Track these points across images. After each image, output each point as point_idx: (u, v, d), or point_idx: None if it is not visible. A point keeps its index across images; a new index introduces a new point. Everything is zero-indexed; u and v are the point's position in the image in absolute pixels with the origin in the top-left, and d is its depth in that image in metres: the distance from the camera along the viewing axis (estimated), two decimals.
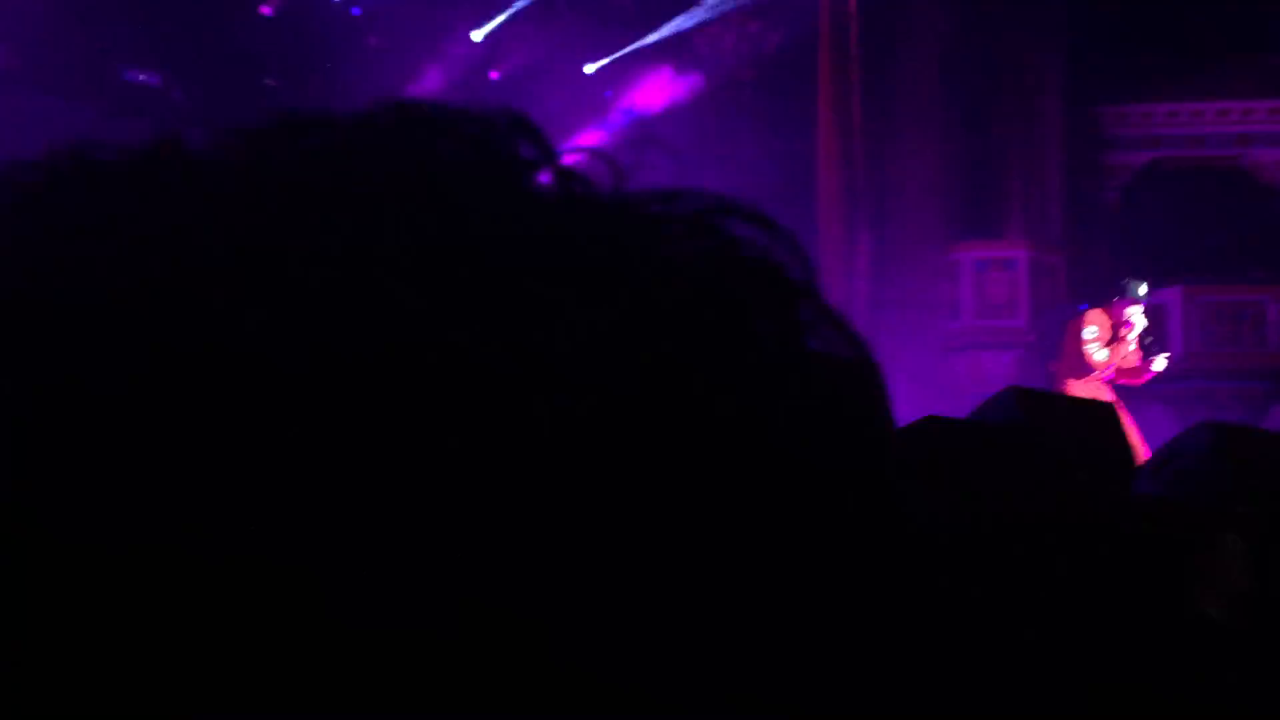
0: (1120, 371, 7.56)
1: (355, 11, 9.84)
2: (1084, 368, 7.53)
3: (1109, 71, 15.24)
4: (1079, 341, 7.57)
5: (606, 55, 11.92)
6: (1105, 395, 7.69)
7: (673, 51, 12.52)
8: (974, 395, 9.20)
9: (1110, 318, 7.49)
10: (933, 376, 13.31)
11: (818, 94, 12.32)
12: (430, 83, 10.90)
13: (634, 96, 11.99)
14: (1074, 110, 14.94)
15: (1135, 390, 13.80)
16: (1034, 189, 14.48)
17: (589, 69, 11.97)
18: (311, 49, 9.69)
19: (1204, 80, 15.51)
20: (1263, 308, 13.82)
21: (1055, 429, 4.06)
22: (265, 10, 9.73)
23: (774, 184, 13.11)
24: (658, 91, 12.07)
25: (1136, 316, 7.37)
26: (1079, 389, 7.59)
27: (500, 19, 10.55)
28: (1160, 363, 7.43)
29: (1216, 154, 15.61)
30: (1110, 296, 7.58)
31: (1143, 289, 7.42)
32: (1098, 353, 7.46)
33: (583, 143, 10.01)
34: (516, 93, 10.95)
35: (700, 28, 12.69)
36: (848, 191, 12.30)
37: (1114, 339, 7.43)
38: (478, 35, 10.66)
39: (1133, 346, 7.51)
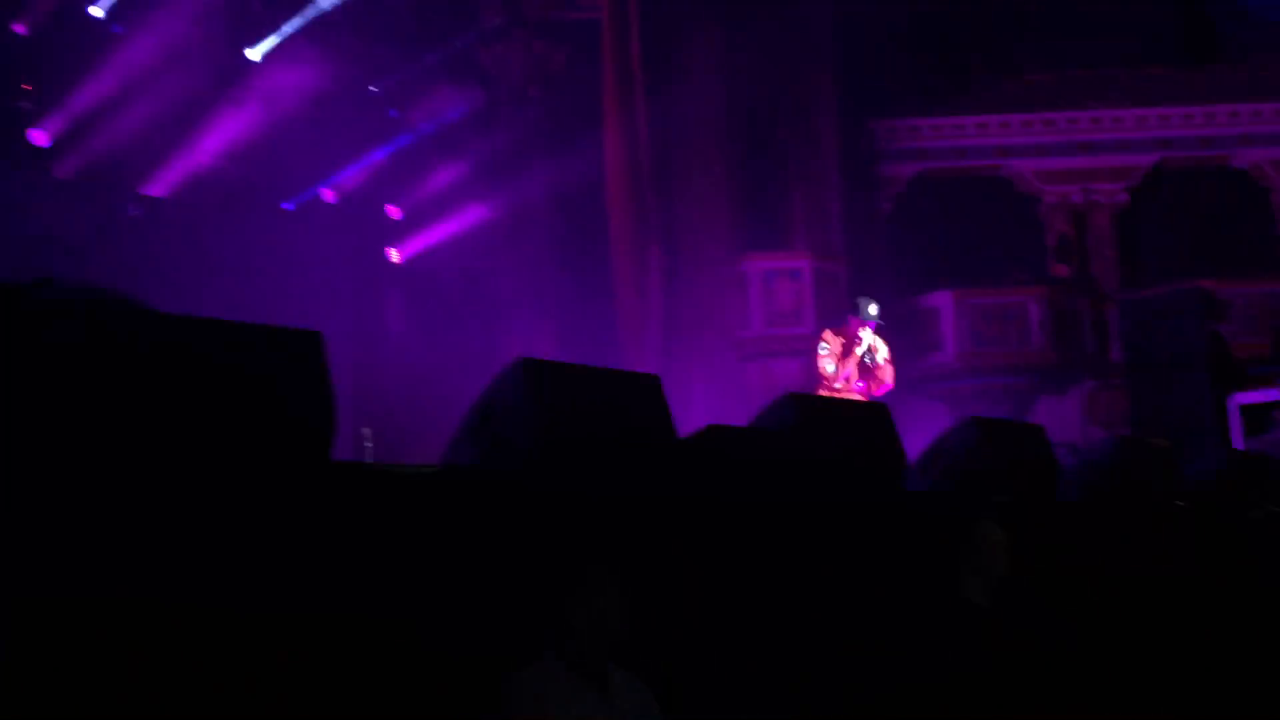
0: (863, 382, 8.10)
1: (116, 29, 9.38)
2: (820, 379, 8.10)
3: (879, 88, 16.02)
4: (817, 356, 8.11)
5: (392, 74, 11.78)
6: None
7: (459, 70, 12.47)
8: (767, 398, 9.50)
9: (842, 336, 8.03)
10: (729, 384, 13.69)
11: (603, 113, 12.49)
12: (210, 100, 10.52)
13: (420, 114, 11.89)
14: (848, 125, 15.63)
15: (919, 390, 14.57)
16: (814, 201, 15.06)
17: (373, 88, 11.80)
18: (70, 68, 9.20)
19: (965, 96, 16.49)
20: (1025, 308, 14.77)
21: (830, 431, 4.27)
22: (19, 28, 9.18)
23: (565, 202, 13.24)
24: (444, 109, 12.01)
25: (865, 334, 7.91)
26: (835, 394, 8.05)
27: (276, 39, 10.27)
28: (887, 374, 8.01)
29: (978, 164, 16.60)
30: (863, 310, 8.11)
31: (872, 308, 7.95)
32: (828, 366, 8.00)
33: (371, 161, 9.80)
34: (301, 113, 10.69)
35: (486, 47, 12.69)
36: (637, 208, 12.51)
37: (845, 354, 7.97)
38: (255, 54, 10.36)
39: (879, 359, 8.07)
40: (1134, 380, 9.34)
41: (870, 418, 4.47)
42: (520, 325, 12.75)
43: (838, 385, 8.18)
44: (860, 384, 8.20)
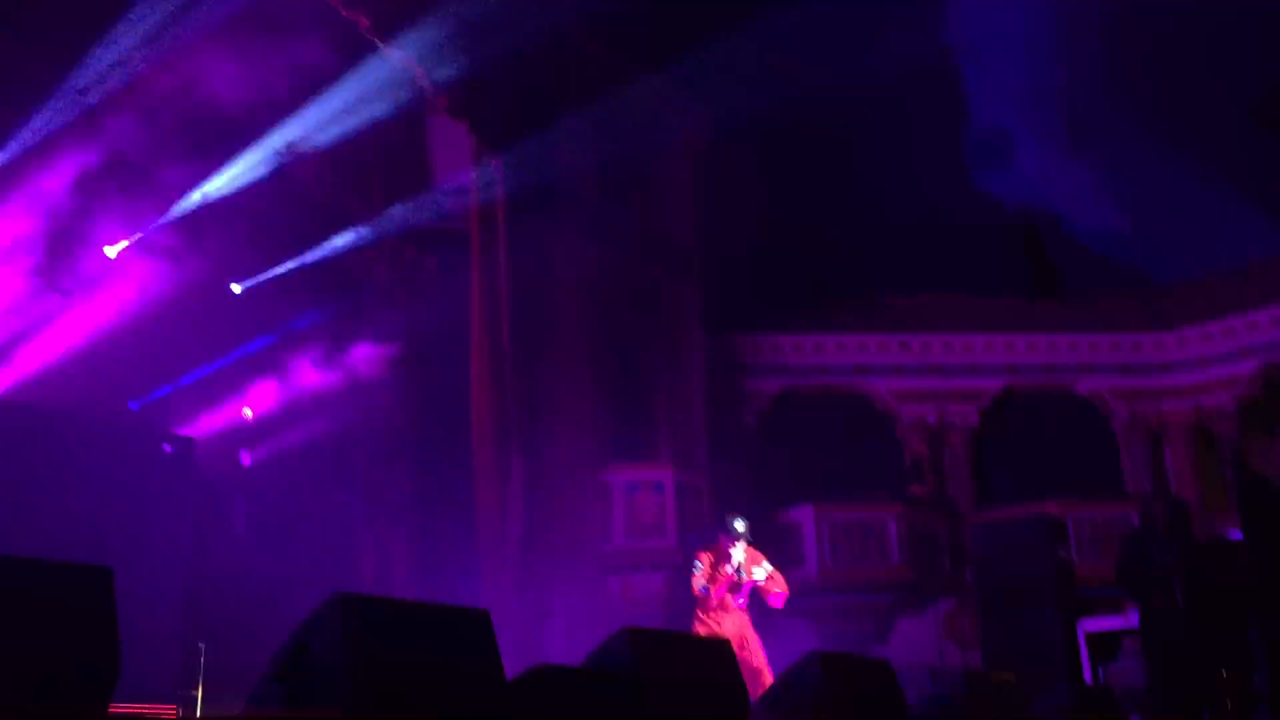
0: (743, 598, 8.00)
1: None
2: (696, 599, 7.99)
3: (744, 306, 16.54)
4: (691, 575, 8.01)
5: (254, 274, 11.68)
6: (742, 618, 7.98)
7: (325, 273, 12.45)
8: (628, 615, 9.22)
9: (713, 554, 7.97)
10: (590, 596, 13.40)
11: (469, 322, 12.54)
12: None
13: (282, 315, 11.75)
14: (714, 340, 16.01)
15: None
16: (679, 413, 15.23)
17: (236, 288, 11.66)
18: None
19: (826, 315, 17.12)
20: (884, 525, 14.98)
21: (667, 669, 4.13)
22: None
23: (428, 409, 13.10)
24: (308, 312, 11.91)
25: (737, 552, 7.85)
26: (713, 613, 7.88)
27: (138, 235, 10.14)
28: (777, 584, 7.89)
29: (839, 382, 17.10)
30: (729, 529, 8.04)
31: (740, 524, 7.92)
32: (701, 586, 7.91)
33: (224, 360, 9.55)
34: (155, 310, 10.46)
35: (354, 251, 12.73)
36: (500, 417, 12.43)
37: (716, 572, 7.88)
38: (111, 251, 10.18)
39: (759, 576, 7.98)
40: (985, 604, 9.42)
41: (712, 655, 4.35)
42: (374, 534, 12.37)
43: (709, 598, 8.03)
44: (741, 601, 8.05)
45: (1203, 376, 16.49)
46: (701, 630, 7.96)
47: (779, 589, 8.05)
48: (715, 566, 8.01)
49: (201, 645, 8.61)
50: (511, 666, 3.70)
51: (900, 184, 17.83)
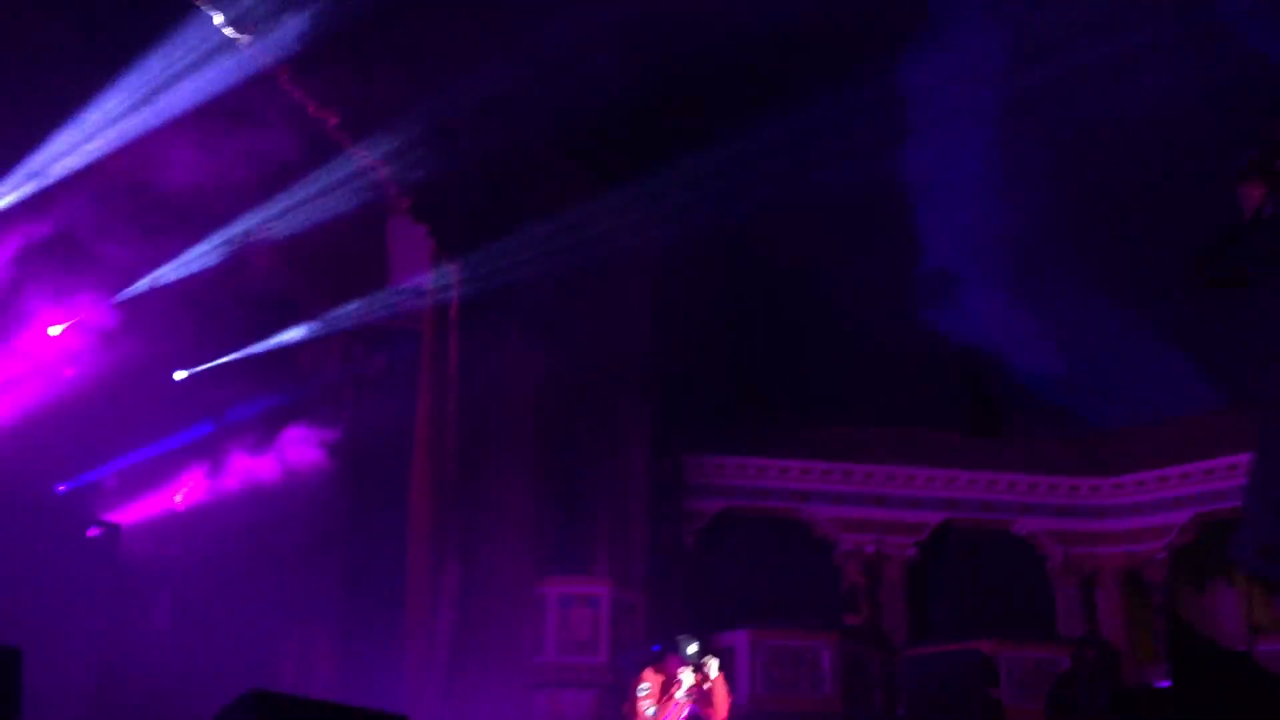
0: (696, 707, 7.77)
1: None
2: None
3: (689, 425, 16.60)
4: (634, 699, 7.80)
5: (200, 363, 11.58)
6: None
7: (272, 364, 12.38)
8: None
9: (662, 674, 7.78)
10: (516, 710, 13.08)
11: (414, 423, 12.48)
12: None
13: (225, 406, 11.63)
14: (658, 457, 16.00)
15: None
16: (618, 529, 15.13)
17: (180, 375, 11.54)
18: None
19: (772, 440, 17.21)
20: (818, 653, 14.85)
21: None
22: None
23: (364, 509, 12.92)
24: (252, 404, 11.79)
25: (685, 674, 7.69)
26: None
27: (79, 316, 10.06)
28: (721, 702, 7.72)
29: (779, 506, 17.10)
30: (666, 652, 7.91)
31: (693, 647, 7.79)
32: (648, 709, 7.69)
33: (166, 447, 9.41)
34: (92, 392, 10.32)
35: (303, 346, 12.69)
36: (437, 519, 12.29)
37: (665, 695, 7.69)
38: (54, 330, 10.07)
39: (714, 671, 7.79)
40: None
41: None
42: (299, 632, 12.06)
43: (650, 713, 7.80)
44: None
45: (1137, 523, 16.70)
46: None
47: (723, 707, 7.85)
48: (664, 689, 7.82)
49: None
50: None
51: (851, 315, 18.16)
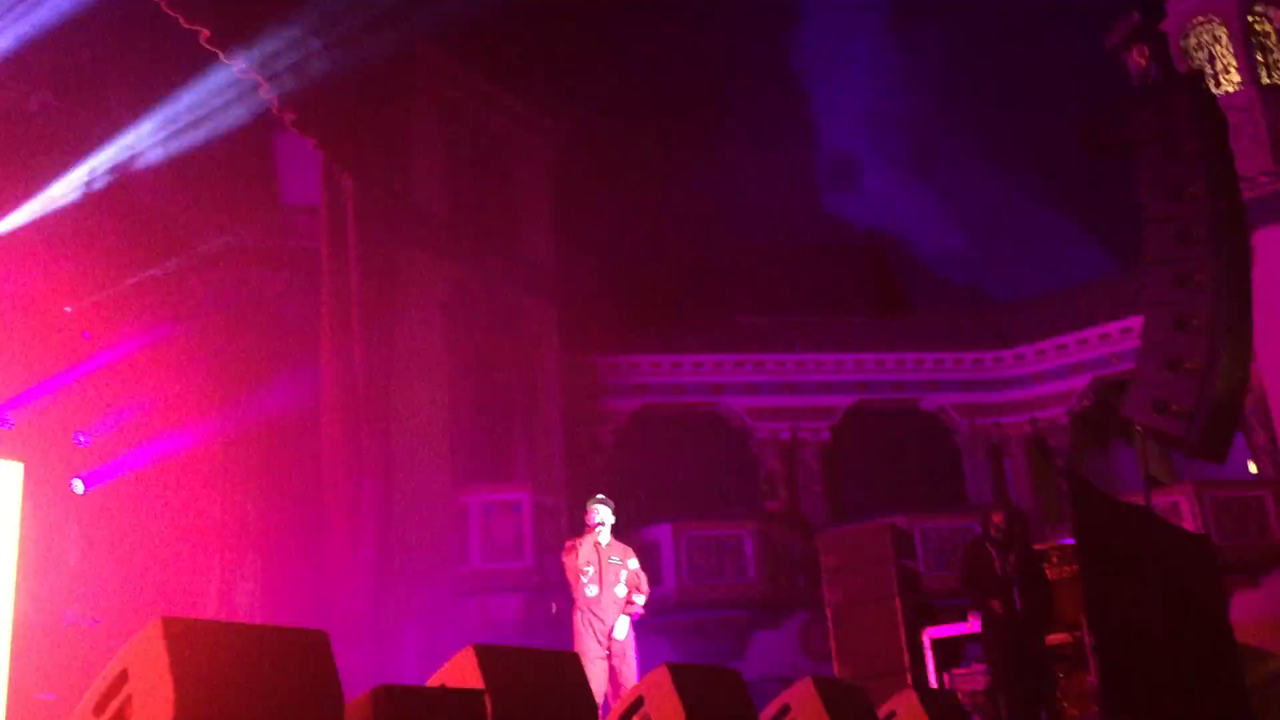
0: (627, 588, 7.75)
1: None
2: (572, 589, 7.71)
3: (599, 326, 16.59)
4: (572, 574, 7.72)
5: (90, 294, 11.18)
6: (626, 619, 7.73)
7: (168, 292, 12.00)
8: (485, 637, 8.91)
9: (581, 538, 7.73)
10: (444, 619, 13.16)
11: (320, 343, 12.24)
12: None
13: (121, 337, 11.27)
14: (570, 359, 16.00)
15: (639, 624, 14.50)
16: (536, 433, 15.15)
17: (68, 308, 11.13)
18: None
19: (683, 335, 17.30)
20: (740, 541, 15.16)
21: (515, 684, 4.07)
22: None
23: (276, 432, 12.71)
24: (147, 333, 11.44)
25: (601, 512, 7.66)
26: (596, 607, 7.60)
27: None
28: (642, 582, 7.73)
29: (694, 401, 17.27)
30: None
31: (601, 498, 7.70)
32: (590, 589, 7.65)
33: (55, 383, 9.10)
34: None
35: (199, 271, 12.31)
36: (351, 439, 12.14)
37: (597, 560, 7.67)
38: None
39: (631, 565, 7.79)
40: (834, 615, 9.61)
41: (561, 668, 4.31)
42: (221, 564, 11.93)
43: (591, 592, 7.69)
44: (624, 595, 7.72)
45: (1038, 391, 17.21)
46: (583, 629, 7.66)
47: (637, 603, 7.86)
48: (590, 550, 7.72)
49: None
50: (364, 691, 3.59)
51: (753, 205, 18.20)
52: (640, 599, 7.85)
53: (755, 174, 18.20)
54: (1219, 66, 15.32)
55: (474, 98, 15.14)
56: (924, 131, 19.23)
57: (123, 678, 3.08)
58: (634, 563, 7.95)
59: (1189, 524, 13.62)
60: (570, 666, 4.37)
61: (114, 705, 3.09)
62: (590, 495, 8.25)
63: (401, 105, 13.13)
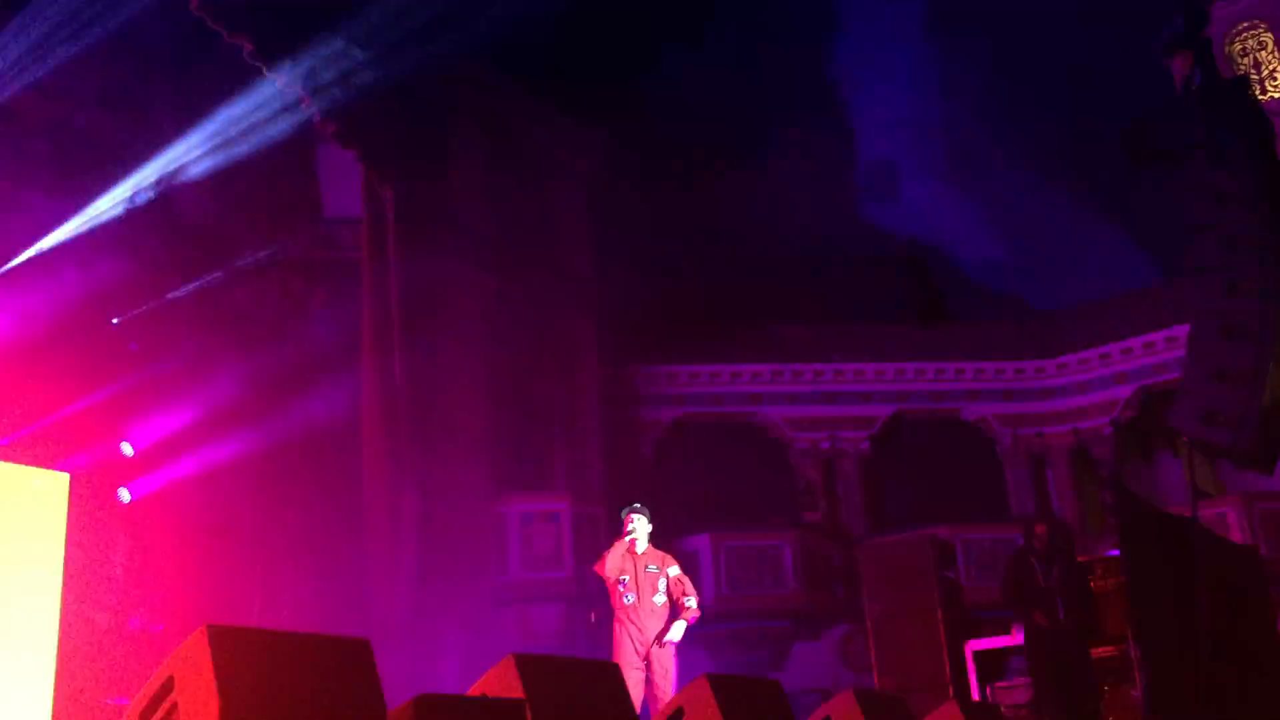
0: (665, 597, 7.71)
1: None
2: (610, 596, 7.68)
3: (639, 336, 16.60)
4: (610, 585, 7.69)
5: (137, 306, 11.34)
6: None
7: (211, 305, 12.16)
8: (525, 646, 8.94)
9: (618, 540, 7.69)
10: (483, 629, 13.20)
11: (361, 354, 12.34)
12: None
13: (166, 349, 11.42)
14: (609, 370, 16.02)
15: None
16: (575, 444, 15.18)
17: (115, 320, 11.30)
18: None
19: (722, 346, 17.28)
20: (780, 551, 15.10)
21: (554, 694, 4.08)
22: None
23: (318, 442, 12.82)
24: (192, 345, 11.57)
25: (638, 523, 7.62)
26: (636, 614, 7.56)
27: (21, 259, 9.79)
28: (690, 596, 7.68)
29: (733, 411, 17.24)
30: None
31: (637, 506, 7.66)
32: (627, 598, 7.62)
33: (102, 394, 9.20)
34: (31, 339, 10.09)
35: (241, 283, 12.46)
36: (392, 449, 12.23)
37: (634, 569, 7.63)
38: None
39: (671, 572, 7.75)
40: (875, 626, 9.53)
41: (601, 679, 4.31)
42: (261, 571, 12.04)
43: (628, 600, 7.65)
44: (662, 600, 7.67)
45: (1081, 401, 17.02)
46: (622, 638, 7.63)
47: (690, 606, 7.76)
48: (627, 558, 7.68)
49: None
50: (405, 699, 3.61)
51: (792, 214, 18.14)
52: (692, 601, 7.80)
53: (794, 184, 18.15)
54: (1264, 72, 15.13)
55: (514, 110, 15.21)
56: (964, 139, 19.11)
57: (169, 685, 3.11)
58: (674, 569, 7.89)
59: (1236, 536, 13.40)
60: (611, 677, 4.37)
61: (160, 712, 3.12)
62: (628, 505, 8.21)
63: (442, 118, 13.22)
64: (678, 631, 7.68)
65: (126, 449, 11.08)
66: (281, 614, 11.56)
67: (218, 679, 2.99)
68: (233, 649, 3.07)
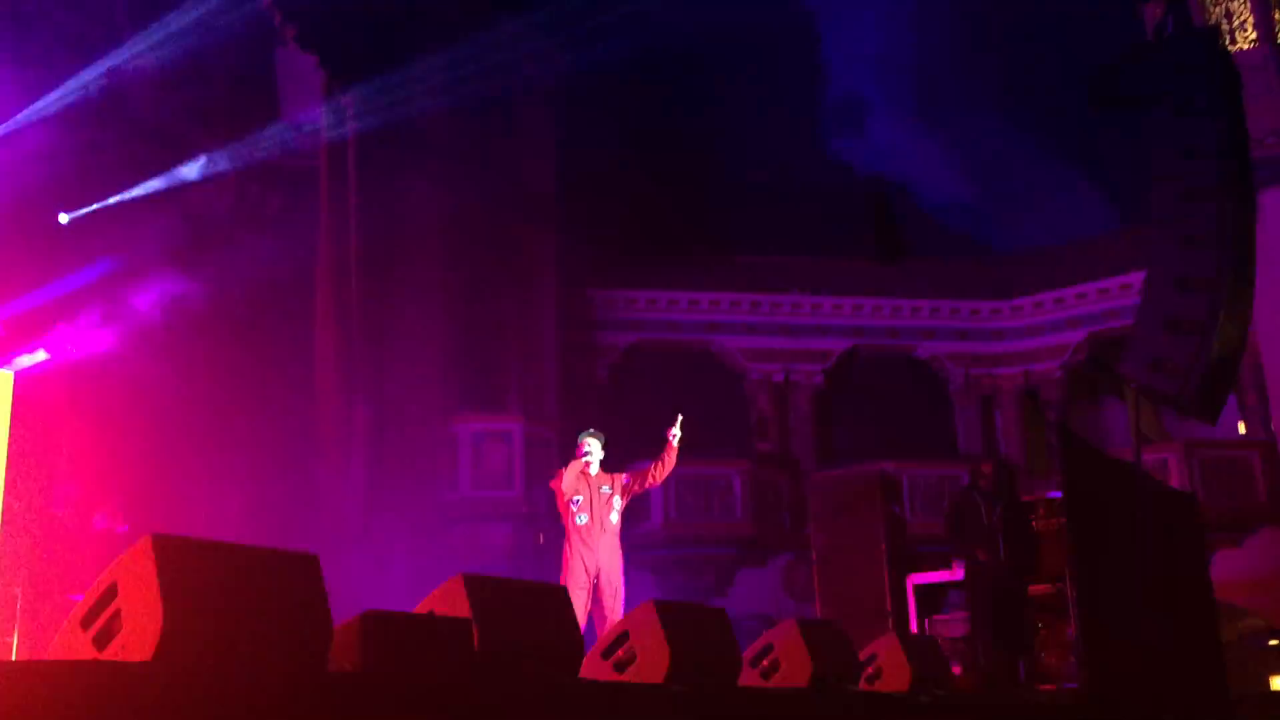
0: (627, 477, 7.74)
1: None
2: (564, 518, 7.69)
3: (598, 259, 16.50)
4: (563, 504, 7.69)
5: (84, 204, 11.06)
6: (615, 554, 7.73)
7: (161, 206, 11.88)
8: (473, 564, 8.95)
9: (573, 460, 7.68)
10: (432, 544, 13.24)
11: (315, 264, 12.17)
12: None
13: (114, 249, 11.17)
14: (567, 292, 15.93)
15: (625, 559, 14.61)
16: (530, 364, 15.14)
17: (64, 218, 11.02)
18: None
19: (680, 272, 17.22)
20: (729, 480, 15.23)
21: (501, 615, 4.09)
22: None
23: (270, 351, 12.68)
24: (142, 247, 11.33)
25: (591, 446, 7.62)
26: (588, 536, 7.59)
27: None
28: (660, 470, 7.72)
29: (690, 339, 17.24)
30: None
31: (592, 432, 7.68)
32: (580, 518, 7.64)
33: (51, 295, 9.02)
34: None
35: (194, 185, 12.18)
36: (344, 363, 12.14)
37: (589, 489, 7.66)
38: None
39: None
40: (820, 557, 9.68)
41: (548, 600, 4.33)
42: (210, 481, 11.95)
43: (581, 519, 7.65)
44: (616, 520, 7.69)
45: (1033, 344, 17.21)
46: (574, 559, 7.64)
47: (662, 465, 7.78)
48: (580, 478, 7.68)
49: (17, 591, 8.26)
50: (351, 615, 3.60)
51: (757, 145, 18.02)
52: (662, 464, 7.84)
53: (762, 114, 18.00)
54: (1235, 23, 15.12)
55: (479, 24, 14.89)
56: (932, 79, 19.01)
57: (111, 593, 3.08)
58: (624, 478, 7.89)
59: (1176, 482, 13.70)
60: (558, 599, 4.39)
61: (101, 619, 3.09)
62: (582, 430, 8.21)
63: (406, 27, 12.92)
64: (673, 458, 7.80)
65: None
66: (228, 526, 11.52)
67: (161, 588, 2.96)
68: (177, 559, 3.04)
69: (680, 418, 7.76)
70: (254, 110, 12.47)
